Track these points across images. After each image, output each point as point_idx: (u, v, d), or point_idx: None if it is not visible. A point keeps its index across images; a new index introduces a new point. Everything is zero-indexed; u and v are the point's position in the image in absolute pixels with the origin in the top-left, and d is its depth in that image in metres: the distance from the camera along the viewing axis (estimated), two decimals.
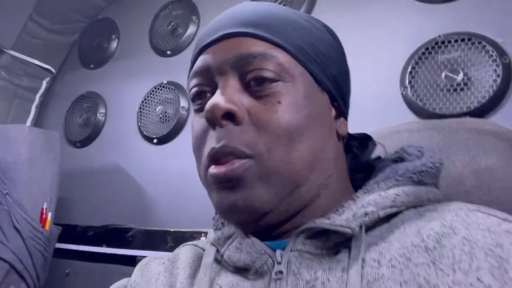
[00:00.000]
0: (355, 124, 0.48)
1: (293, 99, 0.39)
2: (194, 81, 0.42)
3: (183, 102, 1.24)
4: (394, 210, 0.38)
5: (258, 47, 0.39)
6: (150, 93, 1.31)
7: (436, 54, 0.88)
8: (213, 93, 0.40)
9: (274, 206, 0.38)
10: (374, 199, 0.38)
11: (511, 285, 0.30)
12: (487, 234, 0.33)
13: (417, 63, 0.90)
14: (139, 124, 1.30)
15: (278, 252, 0.38)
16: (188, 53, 1.31)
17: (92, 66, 1.52)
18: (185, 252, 0.48)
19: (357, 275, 0.34)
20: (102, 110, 1.42)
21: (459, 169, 0.47)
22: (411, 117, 0.89)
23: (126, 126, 1.34)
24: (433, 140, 0.52)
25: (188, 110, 1.24)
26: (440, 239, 0.34)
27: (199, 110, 0.41)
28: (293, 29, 0.41)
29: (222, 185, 0.38)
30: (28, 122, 1.53)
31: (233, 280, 0.40)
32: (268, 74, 0.39)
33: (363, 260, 0.35)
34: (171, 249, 1.05)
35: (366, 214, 0.37)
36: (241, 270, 0.40)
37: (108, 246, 1.18)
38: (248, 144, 0.37)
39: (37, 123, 1.56)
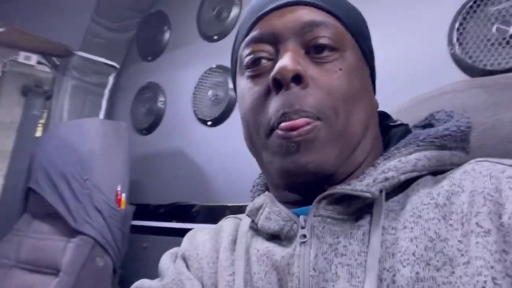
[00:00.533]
0: (403, 88, 0.48)
1: (350, 68, 0.41)
2: (249, 49, 0.42)
3: (232, 84, 1.30)
4: (415, 174, 0.39)
5: (319, 15, 0.41)
6: (202, 78, 1.39)
7: (486, 6, 0.82)
8: (270, 59, 0.41)
9: (338, 168, 0.40)
10: (394, 164, 0.39)
11: (503, 231, 0.30)
12: (488, 180, 0.34)
13: (464, 18, 0.85)
14: (194, 108, 1.39)
15: (301, 217, 0.40)
16: (233, 36, 1.35)
17: (149, 58, 1.63)
18: (227, 223, 0.52)
19: (377, 240, 0.36)
20: (161, 99, 1.53)
21: (508, 126, 0.45)
22: (460, 76, 0.85)
23: (183, 111, 1.43)
24: (479, 98, 0.50)
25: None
26: (450, 196, 0.35)
27: (255, 76, 0.42)
28: (341, 3, 0.44)
29: (291, 148, 0.38)
30: (101, 115, 1.70)
31: (268, 246, 0.43)
32: (328, 42, 0.41)
33: (383, 227, 0.37)
34: None
35: (386, 179, 0.38)
36: (275, 237, 0.43)
37: (177, 221, 1.30)
38: (317, 107, 0.39)
39: (107, 115, 1.73)
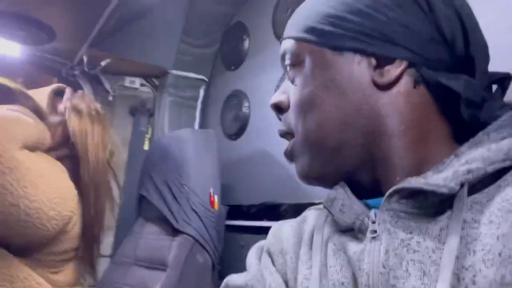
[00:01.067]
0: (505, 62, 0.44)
1: (304, 78, 0.46)
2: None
3: None
4: (507, 163, 0.34)
5: (288, 42, 0.49)
6: (281, 81, 1.42)
7: None
8: None
9: (321, 171, 0.46)
10: (481, 153, 0.35)
11: None
12: None
13: None
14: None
15: (372, 211, 0.40)
16: None
17: (233, 67, 1.73)
18: (310, 215, 0.54)
19: (455, 236, 0.33)
20: (246, 104, 1.61)
21: None
22: None
23: (267, 114, 1.48)
24: None
25: None
26: None
27: None
28: (310, 12, 0.47)
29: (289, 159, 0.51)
30: (196, 125, 1.86)
31: (344, 239, 0.43)
32: (288, 61, 0.48)
33: (464, 221, 0.34)
34: None
35: (469, 171, 0.34)
36: (350, 229, 0.43)
37: (268, 219, 1.35)
38: (289, 126, 0.49)
39: (201, 124, 1.88)
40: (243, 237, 1.49)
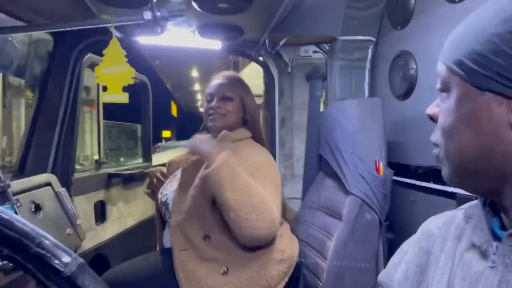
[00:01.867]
0: None
1: (448, 105, 0.51)
2: None
3: None
4: None
5: (440, 67, 0.55)
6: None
7: None
8: None
9: (460, 185, 0.51)
10: None
11: None
12: None
13: None
14: None
15: (495, 244, 0.45)
16: None
17: (399, 27, 1.74)
18: (457, 218, 0.56)
19: None
20: (413, 66, 1.64)
21: None
22: None
23: (434, 77, 1.49)
24: None
25: None
26: None
27: None
28: (460, 42, 0.50)
29: None
30: (365, 85, 1.99)
31: (471, 255, 0.48)
32: (437, 86, 0.54)
33: None
34: None
35: None
36: (479, 247, 0.47)
37: (434, 183, 1.46)
38: (436, 139, 0.54)
39: (371, 83, 1.99)
40: (412, 193, 1.63)
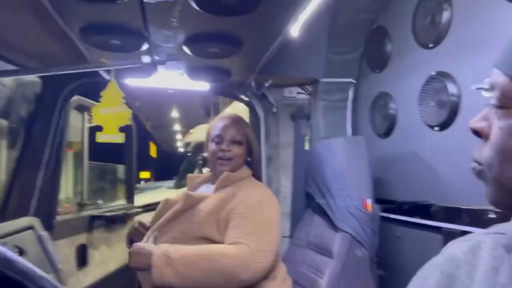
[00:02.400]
0: None
1: (509, 125, 0.44)
2: None
3: (452, 90, 1.35)
4: None
5: (497, 77, 0.46)
6: (424, 86, 1.50)
7: None
8: None
9: (505, 208, 0.48)
10: None
11: None
12: None
13: None
14: (421, 115, 1.52)
15: None
16: (447, 42, 1.39)
17: (377, 70, 1.85)
18: (485, 245, 0.51)
19: None
20: (392, 106, 1.73)
21: None
22: None
23: (412, 116, 1.58)
24: None
25: (459, 97, 1.34)
26: None
27: None
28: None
29: None
30: (347, 124, 2.06)
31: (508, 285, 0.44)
32: (493, 102, 0.47)
33: None
34: (467, 224, 1.25)
35: None
36: None
37: (420, 218, 1.50)
38: (481, 157, 0.49)
39: (353, 122, 2.07)
40: (399, 228, 1.67)
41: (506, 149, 0.44)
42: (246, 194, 1.38)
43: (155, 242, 1.35)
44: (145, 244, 1.30)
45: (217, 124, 1.54)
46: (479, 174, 0.49)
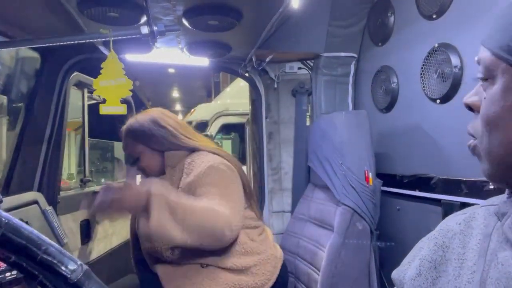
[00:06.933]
0: None
1: (492, 94, 0.46)
2: None
3: (455, 61, 1.34)
4: None
5: (482, 53, 0.49)
6: (427, 58, 1.48)
7: None
8: None
9: (500, 181, 0.48)
10: None
11: None
12: None
13: None
14: (423, 87, 1.50)
15: None
16: (450, 14, 1.36)
17: (380, 43, 1.82)
18: (478, 215, 0.54)
19: None
20: (394, 80, 1.71)
21: None
22: None
23: (414, 90, 1.57)
24: None
25: (461, 69, 1.32)
26: None
27: None
28: (509, 26, 0.45)
29: None
30: (349, 98, 2.05)
31: (507, 254, 0.45)
32: (478, 75, 0.49)
33: None
34: (467, 195, 1.26)
35: None
36: None
37: (419, 190, 1.51)
38: (475, 131, 0.51)
39: (354, 97, 2.05)
40: (399, 201, 1.68)
41: (490, 117, 0.46)
42: (194, 165, 1.38)
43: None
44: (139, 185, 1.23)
45: None
46: (474, 150, 0.51)
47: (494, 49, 0.46)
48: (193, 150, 1.46)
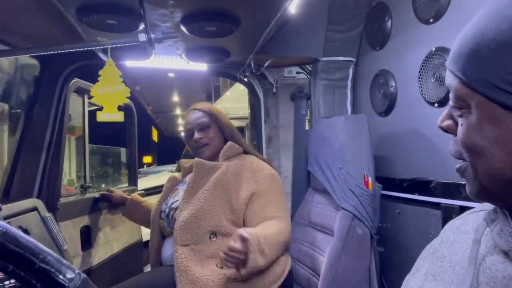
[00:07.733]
0: None
1: (468, 123, 0.45)
2: None
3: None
4: None
5: (451, 80, 0.48)
6: (424, 62, 1.48)
7: None
8: None
9: (486, 200, 0.49)
10: None
11: None
12: None
13: None
14: (421, 91, 1.51)
15: None
16: (447, 18, 1.37)
17: (377, 48, 1.83)
18: (469, 221, 0.56)
19: None
20: (392, 84, 1.72)
21: None
22: None
23: (412, 94, 1.57)
24: None
25: None
26: None
27: None
28: (477, 56, 0.43)
29: None
30: (348, 102, 2.06)
31: (498, 258, 0.46)
32: (450, 103, 0.48)
33: None
34: (465, 199, 1.26)
35: None
36: (505, 252, 0.45)
37: (419, 194, 1.51)
38: (458, 153, 0.51)
39: (353, 101, 2.06)
40: (399, 205, 1.68)
41: (471, 145, 0.46)
42: (259, 169, 1.56)
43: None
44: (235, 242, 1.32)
45: (186, 119, 1.69)
46: (462, 173, 0.51)
47: (470, 82, 0.44)
48: (246, 151, 1.65)
